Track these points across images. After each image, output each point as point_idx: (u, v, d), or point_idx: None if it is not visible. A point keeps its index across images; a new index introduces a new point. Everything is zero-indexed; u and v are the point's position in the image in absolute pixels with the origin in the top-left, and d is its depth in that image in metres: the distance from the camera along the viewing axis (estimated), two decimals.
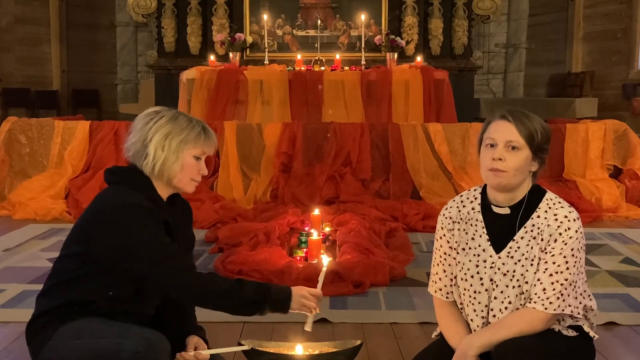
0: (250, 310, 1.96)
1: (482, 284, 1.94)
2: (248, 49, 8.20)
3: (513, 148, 1.88)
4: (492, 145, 1.90)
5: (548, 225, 1.88)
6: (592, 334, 1.94)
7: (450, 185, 5.92)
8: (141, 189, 1.96)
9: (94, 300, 1.92)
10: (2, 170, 5.98)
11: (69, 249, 1.99)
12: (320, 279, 2.08)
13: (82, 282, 1.93)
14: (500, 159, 1.87)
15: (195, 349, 2.00)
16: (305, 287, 2.02)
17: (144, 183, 1.98)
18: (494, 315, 1.92)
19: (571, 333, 1.91)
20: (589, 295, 1.97)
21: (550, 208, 1.91)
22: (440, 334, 2.06)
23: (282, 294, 1.97)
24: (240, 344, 2.00)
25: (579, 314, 1.89)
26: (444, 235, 2.04)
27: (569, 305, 1.86)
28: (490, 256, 1.94)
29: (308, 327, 2.00)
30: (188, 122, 2.00)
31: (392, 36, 7.92)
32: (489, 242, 1.95)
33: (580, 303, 1.90)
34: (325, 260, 2.17)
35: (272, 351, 2.02)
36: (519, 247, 1.91)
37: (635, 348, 2.77)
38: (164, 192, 2.02)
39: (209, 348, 2.05)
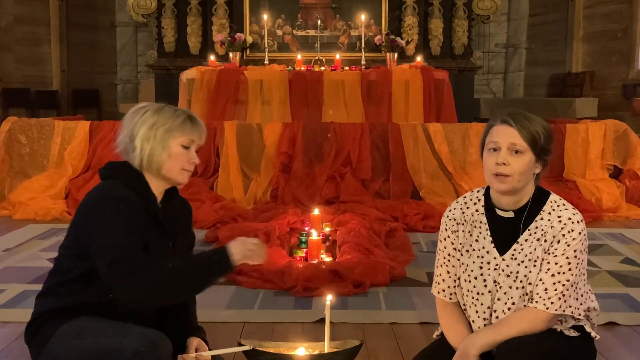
0: (200, 287, 1.95)
1: (485, 286, 1.94)
2: (248, 49, 8.21)
3: (516, 152, 1.87)
4: (494, 150, 1.90)
5: (552, 227, 1.88)
6: (593, 334, 1.94)
7: (450, 185, 5.92)
8: (132, 183, 1.96)
9: (93, 302, 1.91)
10: (2, 170, 5.98)
11: (64, 248, 2.00)
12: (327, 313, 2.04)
13: (80, 283, 1.92)
14: (505, 164, 1.87)
15: (196, 350, 1.99)
16: (240, 241, 1.96)
17: (135, 177, 1.98)
18: (497, 317, 1.92)
19: (573, 333, 1.91)
20: (590, 297, 1.97)
21: (554, 210, 1.91)
22: (441, 334, 2.06)
23: (222, 257, 1.92)
24: (240, 344, 2.00)
25: (580, 315, 1.89)
26: (448, 236, 2.03)
27: (570, 306, 1.86)
28: (494, 258, 1.94)
29: None
30: (173, 112, 2.01)
31: (392, 36, 7.92)
32: (493, 244, 1.95)
33: (581, 304, 1.90)
34: (329, 297, 2.08)
35: (272, 351, 2.02)
36: (522, 249, 1.91)
37: (635, 348, 2.77)
38: (158, 186, 2.02)
39: (209, 349, 2.05)
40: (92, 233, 1.89)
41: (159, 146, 1.97)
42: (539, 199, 1.94)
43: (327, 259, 3.88)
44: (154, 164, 1.98)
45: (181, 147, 2.00)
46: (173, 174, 2.01)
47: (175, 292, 1.91)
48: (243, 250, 1.93)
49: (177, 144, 1.99)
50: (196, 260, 1.99)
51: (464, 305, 2.01)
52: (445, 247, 2.04)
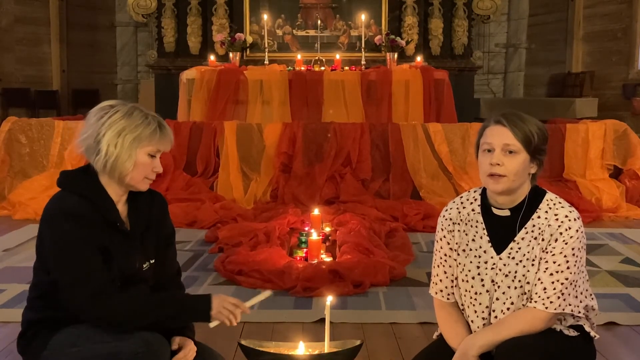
0: (171, 324, 1.94)
1: (483, 285, 1.94)
2: (248, 49, 8.20)
3: (510, 152, 1.88)
4: (489, 151, 1.90)
5: (549, 225, 1.88)
6: (593, 333, 1.94)
7: (450, 185, 5.92)
8: (84, 191, 1.90)
9: (73, 314, 1.88)
10: (2, 170, 5.98)
11: (35, 261, 1.97)
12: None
13: (55, 296, 1.89)
14: (499, 164, 1.87)
15: (179, 347, 1.97)
16: (224, 296, 1.95)
17: (88, 185, 1.92)
18: (496, 317, 1.92)
19: (572, 333, 1.91)
20: (591, 295, 1.97)
21: (550, 208, 1.91)
22: (441, 334, 2.06)
23: (201, 303, 1.91)
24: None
25: (579, 313, 1.89)
26: (444, 236, 2.03)
27: (570, 305, 1.86)
28: (492, 257, 1.94)
29: (213, 324, 1.94)
30: (143, 119, 1.91)
31: (392, 36, 7.92)
32: (490, 244, 1.95)
33: (580, 302, 1.90)
34: (329, 297, 2.08)
35: (272, 351, 2.02)
36: (520, 248, 1.91)
37: (635, 348, 2.77)
38: (118, 190, 1.96)
39: (195, 342, 2.03)
40: (48, 253, 1.87)
41: (125, 154, 1.88)
42: (535, 197, 1.94)
43: (327, 259, 3.88)
44: (117, 171, 1.90)
45: (147, 156, 1.92)
46: (135, 182, 1.94)
47: (143, 322, 1.86)
48: (220, 307, 1.90)
49: (144, 153, 1.91)
50: (177, 300, 1.94)
51: (462, 305, 2.01)
52: (441, 247, 2.04)
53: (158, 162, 1.97)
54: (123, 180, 1.93)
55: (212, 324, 1.92)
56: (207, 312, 1.89)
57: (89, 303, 1.83)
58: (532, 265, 1.88)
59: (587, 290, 1.95)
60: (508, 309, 1.90)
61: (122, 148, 1.88)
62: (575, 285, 1.88)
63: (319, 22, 8.33)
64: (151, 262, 2.02)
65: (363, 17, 7.99)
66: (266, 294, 2.05)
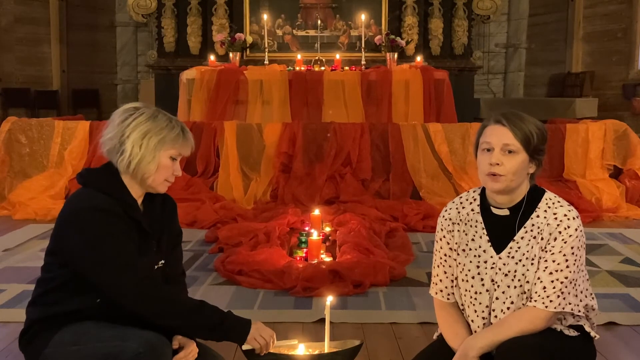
0: (205, 335, 1.95)
1: (483, 285, 1.94)
2: (248, 49, 8.21)
3: (509, 152, 1.88)
4: (488, 150, 1.90)
5: (548, 224, 1.89)
6: (593, 333, 1.94)
7: (450, 185, 5.92)
8: (109, 189, 1.92)
9: (82, 308, 1.90)
10: (2, 170, 5.99)
11: (47, 257, 1.97)
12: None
13: (65, 290, 1.90)
14: (498, 164, 1.87)
15: (180, 346, 1.97)
16: (263, 325, 1.99)
17: (112, 183, 1.94)
18: (496, 316, 1.92)
19: (572, 333, 1.91)
20: (591, 294, 1.97)
21: (549, 207, 1.91)
22: (441, 335, 2.06)
23: (241, 325, 1.94)
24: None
25: (579, 312, 1.89)
26: (444, 236, 2.03)
27: (570, 303, 1.86)
28: (491, 257, 1.94)
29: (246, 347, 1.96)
30: (168, 122, 1.96)
31: (392, 36, 7.93)
32: (490, 243, 1.95)
33: (580, 301, 1.90)
34: (329, 298, 2.09)
35: (272, 351, 2.02)
36: (519, 247, 1.91)
37: (635, 348, 2.77)
38: (138, 190, 1.98)
39: (197, 344, 2.04)
40: (79, 249, 1.86)
41: (150, 156, 1.93)
42: (534, 196, 1.94)
43: (327, 259, 3.88)
44: (140, 172, 1.94)
45: (169, 159, 1.97)
46: (155, 184, 1.98)
47: (179, 319, 1.88)
48: (256, 334, 1.93)
49: (167, 156, 1.96)
50: (220, 312, 1.94)
51: (462, 305, 2.01)
52: (441, 248, 2.04)
53: (178, 165, 2.02)
54: (145, 182, 1.97)
55: (245, 347, 1.95)
56: (244, 335, 1.93)
57: (139, 287, 1.85)
58: (532, 264, 1.88)
59: (587, 289, 1.95)
60: (508, 308, 1.90)
61: (146, 149, 1.92)
62: (575, 284, 1.88)
63: (319, 22, 8.34)
64: (163, 262, 2.04)
65: (363, 17, 8.00)
66: (293, 341, 2.08)
